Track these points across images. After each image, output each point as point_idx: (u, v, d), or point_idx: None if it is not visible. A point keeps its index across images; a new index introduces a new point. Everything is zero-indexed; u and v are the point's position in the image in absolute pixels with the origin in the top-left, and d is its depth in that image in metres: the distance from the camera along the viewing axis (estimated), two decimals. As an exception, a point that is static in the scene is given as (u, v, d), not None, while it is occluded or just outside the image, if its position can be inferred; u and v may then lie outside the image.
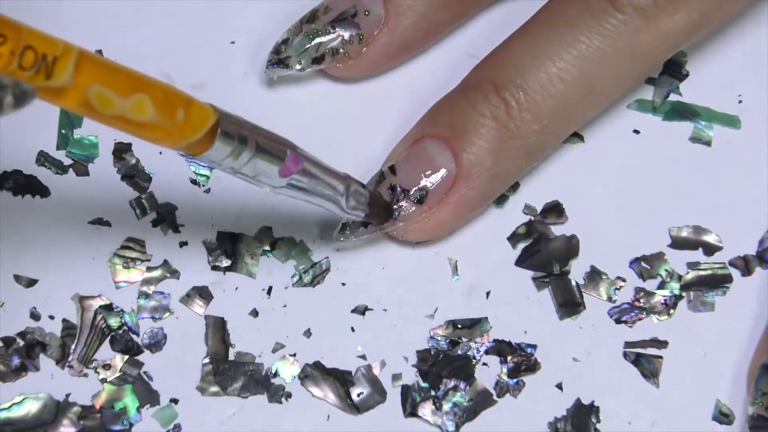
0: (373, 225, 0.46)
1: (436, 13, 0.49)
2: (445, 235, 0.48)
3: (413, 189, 0.46)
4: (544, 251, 0.48)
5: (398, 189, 0.46)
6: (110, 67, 0.35)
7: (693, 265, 0.48)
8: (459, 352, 0.46)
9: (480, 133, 0.46)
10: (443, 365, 0.46)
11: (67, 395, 0.46)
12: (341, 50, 0.48)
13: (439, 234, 0.47)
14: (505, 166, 0.47)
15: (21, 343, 0.46)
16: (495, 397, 0.46)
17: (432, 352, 0.46)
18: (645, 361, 0.47)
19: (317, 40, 0.48)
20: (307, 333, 0.47)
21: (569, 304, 0.47)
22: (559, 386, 0.46)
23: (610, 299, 0.48)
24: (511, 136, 0.46)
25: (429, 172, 0.46)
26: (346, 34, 0.48)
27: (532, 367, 0.47)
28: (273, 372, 0.46)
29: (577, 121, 0.48)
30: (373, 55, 0.49)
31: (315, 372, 0.46)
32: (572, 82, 0.45)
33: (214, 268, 0.47)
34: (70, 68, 0.33)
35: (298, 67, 0.48)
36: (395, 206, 0.46)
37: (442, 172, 0.46)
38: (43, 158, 0.48)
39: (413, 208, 0.46)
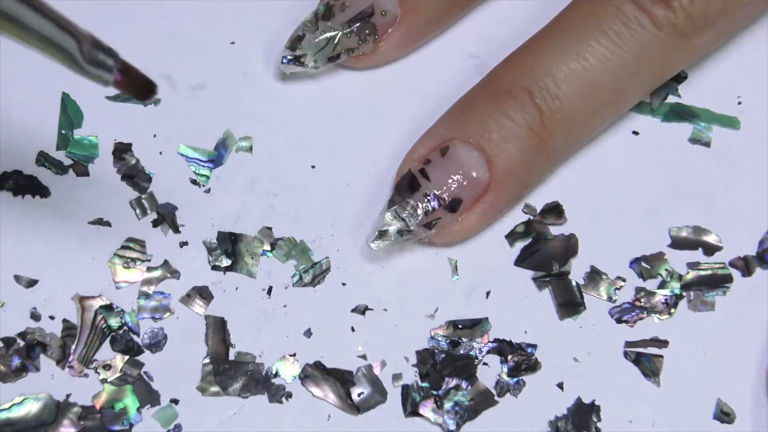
0: None
1: (449, 10, 0.49)
2: (468, 238, 0.48)
3: (448, 198, 0.45)
4: (543, 250, 0.48)
5: (433, 197, 0.45)
6: None
7: (693, 265, 0.48)
8: (461, 351, 0.46)
9: (515, 142, 0.45)
10: (445, 364, 0.46)
11: (68, 395, 0.46)
12: (357, 49, 0.48)
13: (463, 238, 0.47)
14: (535, 174, 0.47)
15: (21, 343, 0.46)
16: (496, 397, 0.46)
17: (432, 353, 0.46)
18: (646, 360, 0.47)
19: (333, 38, 0.48)
20: (308, 333, 0.47)
21: (569, 304, 0.47)
22: (560, 385, 0.46)
23: (610, 299, 0.48)
24: (544, 145, 0.46)
25: (462, 179, 0.45)
26: (362, 34, 0.48)
27: (533, 366, 0.47)
28: (273, 372, 0.46)
29: (601, 128, 0.48)
30: (386, 50, 0.49)
31: (315, 372, 0.46)
32: (604, 92, 0.46)
33: (215, 268, 0.47)
34: None
35: (313, 65, 0.48)
36: (430, 213, 0.45)
37: (476, 180, 0.46)
38: (43, 158, 0.48)
39: (447, 216, 0.46)
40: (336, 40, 0.48)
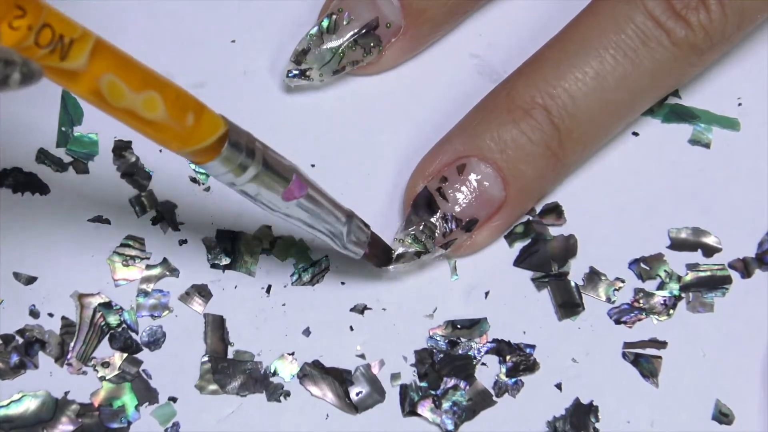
0: (379, 262, 0.46)
1: (451, 16, 0.49)
2: (477, 252, 0.48)
3: (465, 219, 0.46)
4: (542, 251, 0.48)
5: (450, 218, 0.45)
6: (126, 60, 0.35)
7: (692, 267, 0.48)
8: (460, 351, 0.46)
9: (532, 162, 0.45)
10: (444, 364, 0.46)
11: (66, 393, 0.46)
12: (361, 61, 0.48)
13: (474, 252, 0.48)
14: (547, 189, 0.48)
15: (20, 340, 0.46)
16: (494, 397, 0.46)
17: (431, 352, 0.46)
18: (644, 361, 0.47)
19: (338, 51, 0.48)
20: (306, 332, 0.47)
21: (568, 305, 0.47)
22: (558, 386, 0.46)
23: (609, 300, 0.48)
24: (559, 163, 0.46)
25: (479, 198, 0.46)
26: (367, 47, 0.48)
27: (531, 367, 0.47)
28: (272, 371, 0.46)
29: (610, 138, 0.48)
30: (389, 59, 0.49)
31: (314, 371, 0.46)
32: (619, 108, 0.46)
33: (214, 266, 0.47)
34: (86, 53, 0.33)
35: (318, 78, 0.48)
36: (447, 234, 0.45)
37: (492, 199, 0.46)
38: (43, 156, 0.48)
39: (462, 236, 0.46)
40: (341, 53, 0.48)
